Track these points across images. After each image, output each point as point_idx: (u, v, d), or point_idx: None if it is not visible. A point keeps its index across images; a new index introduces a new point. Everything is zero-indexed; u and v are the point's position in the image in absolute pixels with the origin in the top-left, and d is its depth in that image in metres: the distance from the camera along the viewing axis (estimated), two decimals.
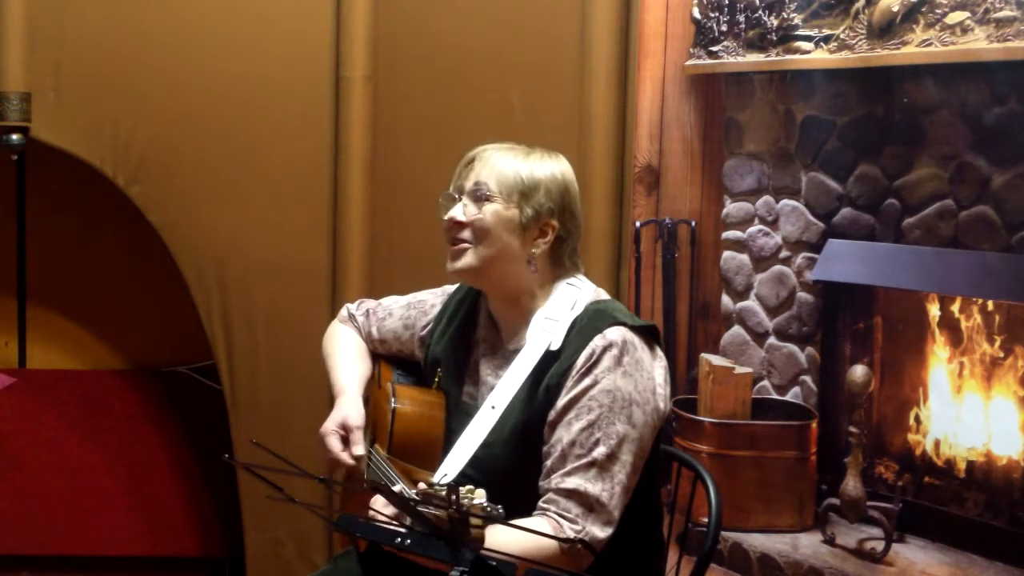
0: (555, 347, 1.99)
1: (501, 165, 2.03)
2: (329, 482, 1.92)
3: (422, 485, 1.68)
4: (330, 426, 2.12)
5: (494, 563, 1.49)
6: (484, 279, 2.08)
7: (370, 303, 2.36)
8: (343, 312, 2.38)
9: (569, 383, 1.95)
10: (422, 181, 3.21)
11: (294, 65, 3.22)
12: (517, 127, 3.10)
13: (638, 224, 3.28)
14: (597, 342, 1.96)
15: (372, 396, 2.24)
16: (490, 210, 2.01)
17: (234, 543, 3.47)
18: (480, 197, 2.02)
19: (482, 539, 1.58)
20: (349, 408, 2.14)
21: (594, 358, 1.95)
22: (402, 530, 1.61)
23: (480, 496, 1.57)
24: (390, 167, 3.23)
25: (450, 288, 2.27)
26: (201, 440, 3.61)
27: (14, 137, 3.19)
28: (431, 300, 2.28)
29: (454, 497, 1.50)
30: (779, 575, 3.12)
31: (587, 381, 1.94)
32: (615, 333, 1.96)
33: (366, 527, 1.69)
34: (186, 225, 3.26)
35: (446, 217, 2.05)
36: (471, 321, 2.17)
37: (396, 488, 1.96)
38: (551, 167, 2.06)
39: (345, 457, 2.08)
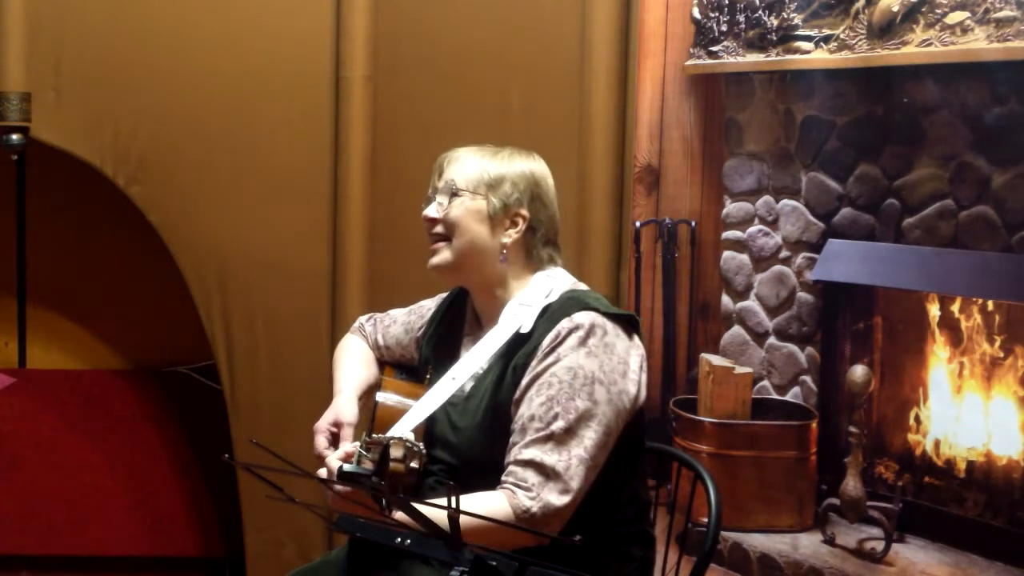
0: (525, 330, 2.04)
1: (468, 162, 2.12)
2: (329, 482, 1.93)
3: (365, 438, 1.74)
4: (322, 424, 2.19)
5: (494, 563, 1.49)
6: (460, 273, 2.14)
7: (379, 315, 2.45)
8: (355, 324, 2.46)
9: (533, 363, 1.99)
10: (422, 181, 3.19)
11: (294, 65, 3.22)
12: (517, 127, 3.10)
13: (638, 224, 3.28)
14: (564, 324, 2.00)
15: (373, 399, 2.26)
16: (457, 203, 2.10)
17: (234, 543, 3.47)
18: (450, 193, 2.10)
19: (401, 474, 1.69)
20: (342, 406, 2.20)
21: (559, 339, 1.99)
22: (402, 530, 1.61)
23: (408, 436, 1.74)
24: (390, 167, 3.23)
25: (447, 293, 2.34)
26: (201, 440, 3.61)
27: (14, 137, 3.19)
28: (428, 305, 2.36)
29: (378, 436, 1.69)
30: (779, 575, 3.12)
31: (550, 359, 1.98)
32: (583, 316, 2.00)
33: (366, 527, 1.70)
34: (186, 225, 3.25)
35: (423, 216, 2.15)
36: (459, 320, 2.23)
37: (349, 446, 2.06)
38: (519, 163, 2.13)
39: (327, 454, 2.12)
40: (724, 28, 3.19)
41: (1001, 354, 2.87)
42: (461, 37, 3.17)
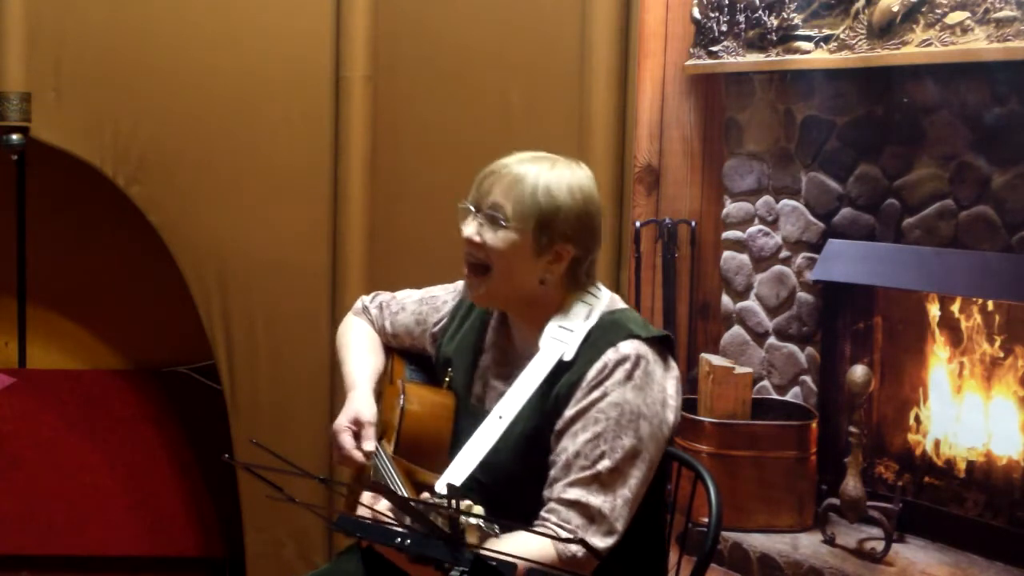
0: (568, 358, 1.97)
1: (520, 187, 1.96)
2: (329, 482, 1.92)
3: (425, 495, 1.68)
4: (343, 422, 2.10)
5: (494, 563, 1.49)
6: (499, 302, 2.07)
7: (385, 296, 2.34)
8: (358, 304, 2.36)
9: (579, 394, 1.94)
10: (422, 181, 3.21)
11: (294, 65, 3.22)
12: (517, 127, 3.10)
13: (638, 224, 3.28)
14: (609, 355, 1.94)
15: (384, 391, 2.23)
16: (503, 238, 1.97)
17: (234, 543, 3.47)
18: (495, 221, 1.97)
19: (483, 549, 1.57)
20: (361, 404, 2.13)
21: (606, 371, 1.93)
22: (402, 530, 1.61)
23: (478, 511, 1.57)
24: (390, 167, 3.23)
25: (463, 285, 2.23)
26: (201, 440, 3.61)
27: (14, 137, 3.19)
28: (443, 296, 2.26)
29: (453, 508, 1.51)
30: (779, 575, 3.12)
31: (596, 393, 1.93)
32: (628, 347, 1.95)
33: (366, 527, 1.69)
34: (186, 225, 3.25)
35: (463, 234, 2.01)
36: (483, 323, 2.16)
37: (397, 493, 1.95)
38: (572, 187, 1.98)
39: (357, 454, 2.07)
40: (724, 28, 3.19)
41: (1001, 354, 2.87)
42: (461, 37, 3.17)
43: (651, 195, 3.32)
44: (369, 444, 2.07)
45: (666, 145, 3.33)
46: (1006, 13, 2.67)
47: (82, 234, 3.62)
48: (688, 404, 3.32)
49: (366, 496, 1.92)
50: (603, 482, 1.90)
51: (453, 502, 1.51)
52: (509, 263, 1.98)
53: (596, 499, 1.89)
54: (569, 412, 1.94)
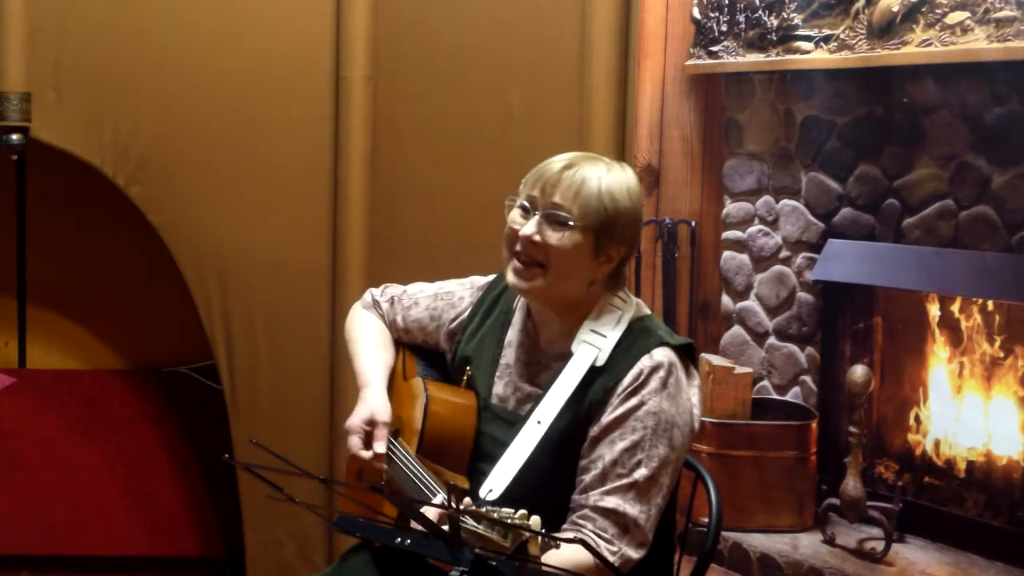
0: (600, 363, 1.98)
1: (586, 189, 1.96)
2: (329, 482, 1.92)
3: (468, 500, 1.67)
4: (356, 422, 2.08)
5: (494, 563, 1.49)
6: (547, 299, 2.04)
7: (395, 289, 2.30)
8: (367, 297, 2.32)
9: (615, 401, 1.95)
10: (422, 181, 3.21)
11: (294, 65, 3.22)
12: (517, 127, 3.10)
13: None
14: (645, 363, 1.95)
15: (395, 387, 2.21)
16: (568, 238, 1.96)
17: (234, 543, 3.46)
18: (559, 221, 1.96)
19: (540, 566, 1.57)
20: (375, 402, 2.11)
21: (642, 379, 1.95)
22: (402, 530, 1.61)
23: (536, 523, 1.57)
24: (390, 167, 3.23)
25: (479, 280, 2.22)
26: (201, 440, 3.61)
27: (14, 137, 3.19)
28: (459, 292, 2.22)
29: (509, 522, 1.51)
30: (779, 575, 3.12)
31: (633, 401, 1.94)
32: (662, 354, 1.96)
33: (366, 527, 1.69)
34: (186, 225, 3.25)
35: (520, 232, 1.98)
36: (505, 321, 2.14)
37: (438, 500, 1.92)
38: (628, 191, 2.00)
39: (366, 455, 2.06)
40: (724, 28, 3.19)
41: (1001, 354, 2.87)
42: (461, 37, 3.17)
43: (651, 195, 3.32)
44: (381, 445, 2.06)
45: (666, 145, 3.33)
46: (1006, 13, 2.67)
47: (82, 234, 3.62)
48: None
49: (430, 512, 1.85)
50: (639, 491, 1.91)
51: (514, 516, 1.51)
52: (569, 263, 1.97)
53: (633, 509, 1.91)
54: (606, 419, 1.95)
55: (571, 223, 1.95)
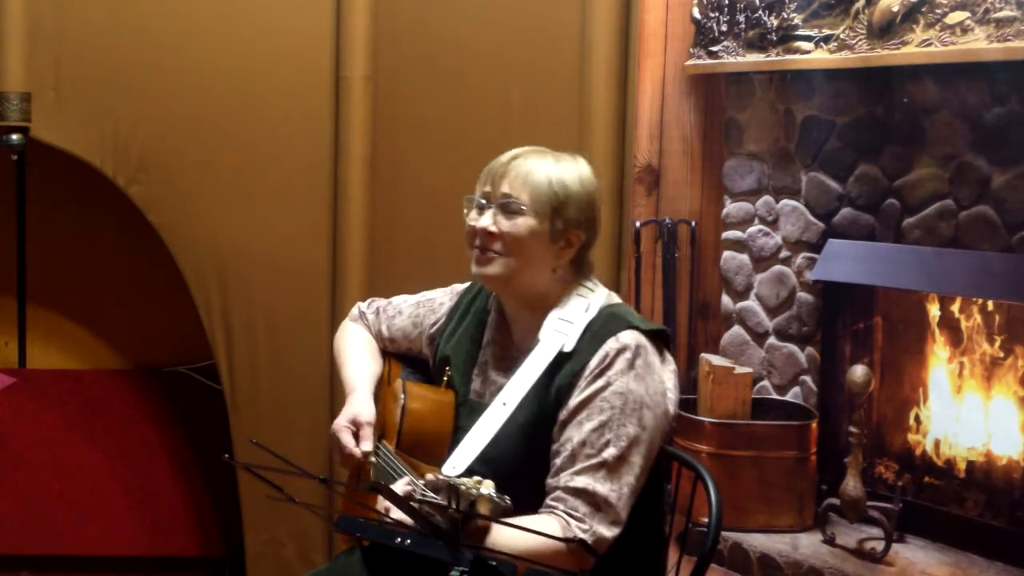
0: (568, 349, 2.01)
1: (534, 176, 2.04)
2: (329, 482, 1.93)
3: (430, 476, 1.70)
4: (341, 422, 2.13)
5: (494, 563, 1.49)
6: (508, 286, 2.09)
7: (380, 301, 2.38)
8: (354, 310, 2.40)
9: (581, 384, 1.97)
10: (422, 181, 3.21)
11: (294, 65, 3.22)
12: (517, 127, 3.10)
13: (638, 224, 3.28)
14: (611, 345, 1.98)
15: (381, 394, 2.24)
16: (523, 224, 2.03)
17: (234, 543, 3.47)
18: (512, 210, 2.03)
19: (488, 529, 1.59)
20: (360, 405, 2.16)
21: (607, 360, 1.97)
22: (403, 530, 1.61)
23: (488, 487, 1.62)
24: (390, 167, 3.23)
25: (459, 287, 2.29)
26: (201, 440, 3.61)
27: (14, 137, 3.19)
28: (440, 298, 2.30)
29: (462, 488, 1.55)
30: (779, 575, 3.12)
31: (600, 383, 1.96)
32: (628, 337, 1.99)
33: (366, 527, 1.70)
34: (186, 225, 3.25)
35: (476, 225, 2.06)
36: (480, 321, 2.19)
37: (404, 480, 1.99)
38: (579, 176, 2.07)
39: (357, 451, 2.09)
40: (724, 28, 3.19)
41: (1001, 354, 2.87)
42: (461, 37, 3.17)
43: (651, 195, 3.32)
44: (367, 444, 2.09)
45: (666, 145, 3.32)
46: (1006, 13, 2.67)
47: (82, 234, 3.62)
48: (688, 404, 3.32)
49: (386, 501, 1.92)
50: (609, 470, 1.93)
51: (467, 480, 1.53)
52: (526, 249, 2.03)
53: (603, 487, 1.92)
54: (573, 402, 1.97)
55: (523, 209, 2.02)
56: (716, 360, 3.28)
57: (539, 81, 3.13)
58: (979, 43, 2.72)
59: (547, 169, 2.04)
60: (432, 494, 1.64)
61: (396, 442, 2.10)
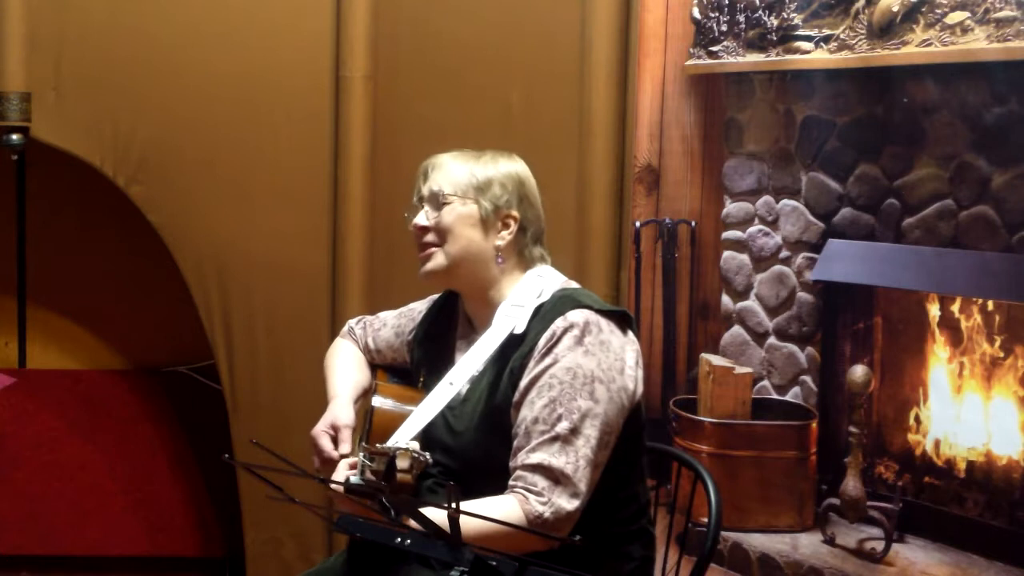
0: (519, 331, 2.04)
1: (453, 169, 2.12)
2: (329, 482, 1.94)
3: (364, 444, 1.74)
4: (320, 427, 2.18)
5: (494, 563, 1.49)
6: (454, 278, 2.14)
7: (368, 317, 2.44)
8: (344, 328, 2.45)
9: (531, 364, 1.99)
10: None
11: (294, 65, 3.22)
12: (517, 127, 3.10)
13: (638, 224, 3.28)
14: (558, 324, 2.00)
15: (368, 403, 2.26)
16: (448, 210, 2.09)
17: (234, 543, 3.46)
18: (440, 202, 2.10)
19: (409, 484, 1.67)
20: (338, 410, 2.20)
21: (555, 338, 1.99)
22: (403, 530, 1.61)
23: (413, 445, 1.72)
24: (390, 167, 3.23)
25: (435, 295, 2.33)
26: (201, 440, 3.61)
27: (14, 137, 3.18)
28: (419, 307, 2.35)
29: (381, 447, 1.67)
30: (779, 575, 3.12)
31: (548, 360, 1.98)
32: (577, 315, 2.00)
33: (366, 527, 1.70)
34: (186, 225, 3.25)
35: (411, 225, 2.14)
36: (450, 323, 2.23)
37: (350, 460, 2.06)
38: (503, 164, 2.13)
39: (335, 454, 2.12)
40: (724, 28, 3.19)
41: (1001, 354, 2.87)
42: (461, 37, 3.17)
43: (651, 195, 3.32)
44: (345, 447, 2.13)
45: (666, 145, 3.33)
46: (1006, 13, 2.67)
47: (82, 234, 3.62)
48: (688, 404, 3.32)
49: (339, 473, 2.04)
50: (564, 442, 1.94)
51: (395, 443, 1.63)
52: (459, 234, 2.09)
53: (558, 460, 1.93)
54: (523, 382, 1.99)
55: (448, 197, 2.10)
56: (716, 360, 3.28)
57: (539, 81, 3.13)
58: (979, 43, 2.72)
59: (467, 162, 2.13)
60: (369, 463, 1.74)
61: (367, 439, 2.12)
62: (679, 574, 2.30)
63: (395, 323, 2.36)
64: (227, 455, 1.71)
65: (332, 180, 3.24)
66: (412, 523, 1.55)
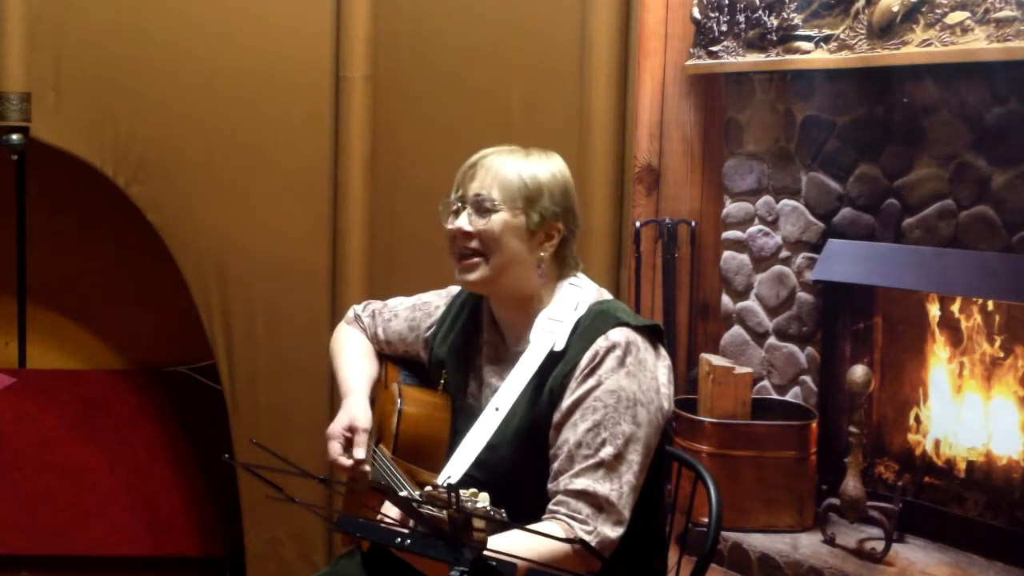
0: (559, 348, 1.99)
1: (503, 172, 2.02)
2: (329, 482, 1.92)
3: (428, 488, 1.69)
4: (336, 428, 2.12)
5: (494, 563, 1.49)
6: (494, 288, 2.08)
7: (376, 304, 2.36)
8: (349, 313, 2.38)
9: (573, 384, 1.95)
10: (422, 181, 3.21)
11: (294, 65, 3.22)
12: (517, 127, 3.10)
13: (638, 224, 3.28)
14: (600, 343, 1.96)
15: (378, 397, 2.24)
16: (497, 220, 2.01)
17: (234, 543, 3.47)
18: (485, 207, 2.01)
19: (484, 542, 1.59)
20: (356, 409, 2.15)
21: (597, 359, 1.95)
22: (403, 530, 1.61)
23: (484, 499, 1.59)
24: (390, 167, 3.23)
25: (454, 289, 2.27)
26: (201, 440, 3.61)
27: (14, 137, 3.19)
28: (435, 301, 2.28)
29: (455, 499, 1.51)
30: (779, 575, 3.12)
31: (591, 382, 1.94)
32: (618, 334, 1.97)
33: (366, 527, 1.69)
34: (186, 225, 3.26)
35: (451, 227, 2.05)
36: (474, 323, 2.17)
37: (402, 493, 1.95)
38: (551, 168, 2.06)
39: (344, 461, 2.09)
40: (724, 28, 3.19)
41: (1001, 354, 2.87)
42: (461, 37, 3.17)
43: (651, 195, 3.32)
44: (360, 451, 2.09)
45: (666, 145, 3.32)
46: (1006, 13, 2.67)
47: (82, 234, 3.62)
48: (688, 404, 3.32)
49: (387, 504, 1.93)
50: (608, 469, 1.91)
51: (457, 493, 1.52)
52: (505, 245, 2.01)
53: (603, 487, 1.90)
54: (566, 403, 1.95)
55: (495, 204, 2.01)
56: (716, 360, 3.28)
57: (539, 81, 3.13)
58: (979, 43, 2.72)
59: (516, 164, 2.03)
60: (430, 507, 1.61)
61: (393, 448, 2.09)
62: (679, 574, 2.30)
63: (408, 315, 2.29)
64: (227, 455, 1.71)
65: (332, 180, 3.25)
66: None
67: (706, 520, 2.14)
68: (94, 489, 3.59)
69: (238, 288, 3.27)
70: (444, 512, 1.54)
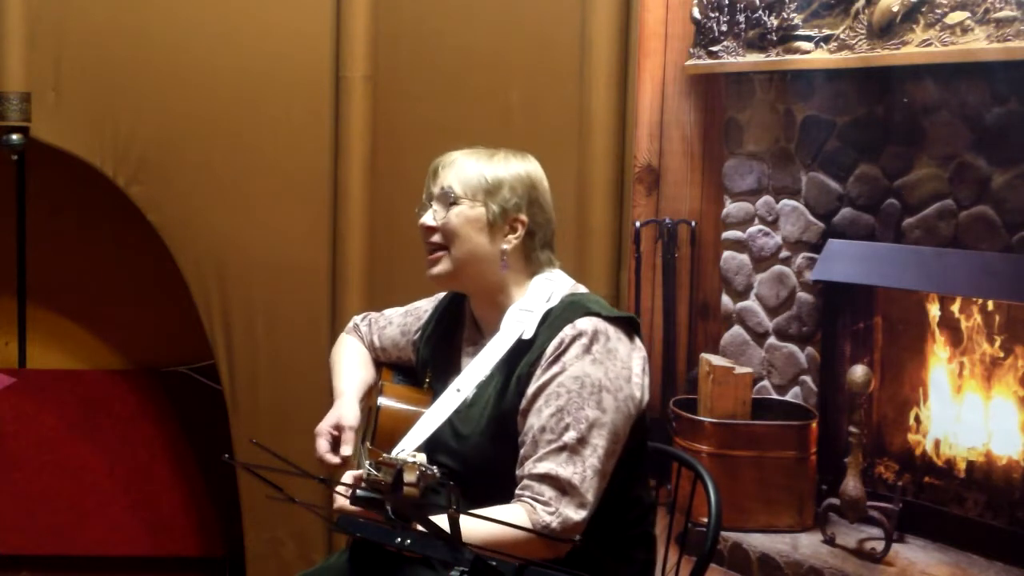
0: (527, 336, 2.02)
1: (464, 168, 2.09)
2: (329, 482, 1.93)
3: (369, 445, 1.72)
4: (323, 427, 2.17)
5: (494, 563, 1.49)
6: (461, 281, 2.13)
7: (374, 314, 2.43)
8: (349, 324, 2.44)
9: (538, 372, 1.98)
10: (422, 181, 3.20)
11: (294, 65, 3.22)
12: (517, 127, 3.10)
13: (638, 224, 3.28)
14: (566, 331, 1.99)
15: (371, 400, 2.26)
16: (456, 212, 2.07)
17: (234, 543, 3.47)
18: (447, 201, 2.08)
19: (415, 497, 1.64)
20: (344, 409, 2.19)
21: (563, 346, 1.98)
22: (403, 530, 1.61)
23: (421, 459, 1.66)
24: (390, 167, 3.23)
25: (441, 294, 2.32)
26: (201, 440, 3.61)
27: (14, 137, 3.19)
28: (425, 306, 2.34)
29: (387, 458, 1.61)
30: (779, 575, 3.12)
31: (555, 368, 1.97)
32: (585, 323, 1.99)
33: (366, 527, 1.70)
34: (186, 225, 3.26)
35: (418, 224, 2.12)
36: (457, 323, 2.22)
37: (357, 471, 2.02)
38: (515, 165, 2.10)
39: (330, 457, 2.13)
40: (724, 28, 3.19)
41: (1001, 354, 2.87)
42: (461, 37, 3.17)
43: (651, 195, 3.32)
44: (347, 448, 2.12)
45: (666, 145, 3.32)
46: (1006, 13, 2.67)
47: (82, 234, 3.62)
48: (688, 404, 3.32)
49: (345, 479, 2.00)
50: (571, 452, 1.93)
51: (401, 453, 1.56)
52: (468, 237, 2.07)
53: (566, 470, 1.92)
54: (531, 389, 1.98)
55: (457, 197, 2.07)
56: (716, 360, 3.28)
57: (539, 81, 3.13)
58: (979, 43, 2.72)
59: (479, 160, 2.10)
60: (375, 472, 1.70)
61: (372, 439, 2.12)
62: (679, 574, 2.30)
63: (401, 321, 2.35)
64: (227, 455, 1.71)
65: (332, 180, 3.25)
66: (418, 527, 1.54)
67: (706, 520, 2.15)
68: (94, 489, 3.60)
69: (238, 288, 3.27)
70: (379, 473, 1.62)
